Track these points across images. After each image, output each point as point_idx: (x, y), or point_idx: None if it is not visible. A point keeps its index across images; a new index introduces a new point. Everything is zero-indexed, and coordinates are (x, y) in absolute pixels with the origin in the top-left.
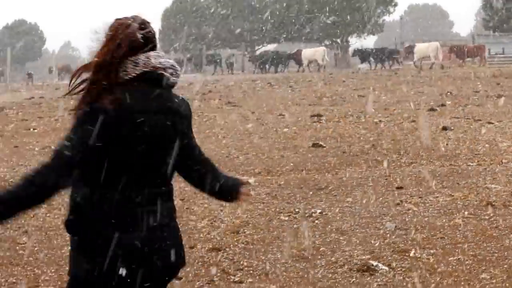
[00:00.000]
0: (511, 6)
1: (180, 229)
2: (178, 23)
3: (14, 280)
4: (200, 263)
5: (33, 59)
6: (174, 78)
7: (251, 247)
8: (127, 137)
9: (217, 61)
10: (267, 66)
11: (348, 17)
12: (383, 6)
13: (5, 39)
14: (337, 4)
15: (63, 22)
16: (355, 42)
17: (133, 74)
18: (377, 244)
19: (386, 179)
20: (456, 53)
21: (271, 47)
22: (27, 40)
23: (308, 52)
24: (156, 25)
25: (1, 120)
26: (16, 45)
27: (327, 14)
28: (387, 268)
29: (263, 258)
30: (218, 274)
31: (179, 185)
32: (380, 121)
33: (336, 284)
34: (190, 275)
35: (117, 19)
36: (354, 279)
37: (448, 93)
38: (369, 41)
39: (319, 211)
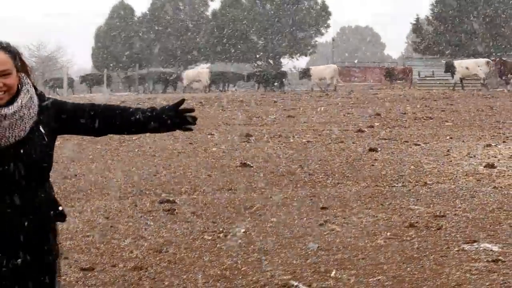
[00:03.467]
0: (441, 30)
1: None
2: (112, 41)
3: None
4: (120, 282)
5: None
6: None
7: (173, 266)
8: None
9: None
10: (150, 87)
11: (278, 38)
12: (315, 27)
13: None
14: (267, 25)
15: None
16: (287, 63)
17: None
18: (298, 264)
19: (311, 199)
20: (385, 75)
21: (204, 66)
22: None
23: (191, 73)
24: (89, 44)
25: None
26: None
27: (258, 34)
28: None
29: (184, 277)
30: None
31: (105, 203)
32: (308, 141)
33: None
34: None
35: None
36: None
37: (377, 115)
38: (301, 62)
39: (243, 230)
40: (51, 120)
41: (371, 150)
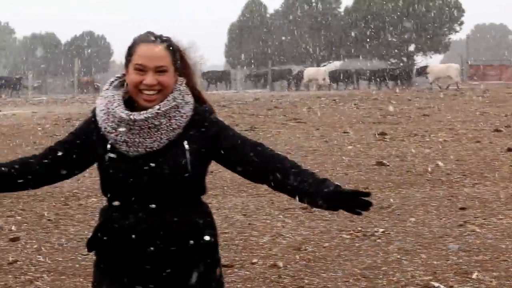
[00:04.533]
0: None
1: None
2: (244, 38)
3: None
4: (261, 279)
5: (101, 71)
6: None
7: (313, 264)
8: None
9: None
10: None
11: (413, 36)
12: (449, 24)
13: (73, 51)
14: (402, 22)
15: (131, 34)
16: (421, 61)
17: None
18: (439, 265)
19: (449, 199)
20: None
21: (337, 63)
22: (94, 52)
23: (311, 71)
24: (222, 40)
25: (67, 131)
26: (83, 57)
27: (392, 32)
28: None
29: (324, 276)
30: None
31: (242, 200)
32: (444, 140)
33: None
34: None
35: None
36: None
37: None
38: (435, 60)
39: (381, 230)
40: (203, 140)
41: (509, 150)
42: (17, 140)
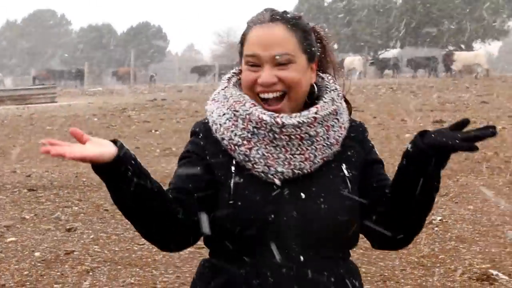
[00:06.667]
0: None
1: None
2: None
3: (132, 281)
4: None
5: (157, 61)
6: None
7: (369, 253)
8: None
9: None
10: None
11: (470, 23)
12: (508, 11)
13: (129, 41)
14: (460, 9)
15: (186, 25)
16: (479, 48)
17: None
18: (497, 253)
19: (508, 187)
20: None
21: (395, 51)
22: (151, 43)
23: (348, 60)
24: None
25: (123, 121)
26: (140, 47)
27: (451, 19)
28: (507, 278)
29: (381, 264)
30: None
31: None
32: (503, 128)
33: None
34: None
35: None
36: None
37: None
38: (494, 47)
39: (439, 218)
40: (360, 167)
41: None
42: None
